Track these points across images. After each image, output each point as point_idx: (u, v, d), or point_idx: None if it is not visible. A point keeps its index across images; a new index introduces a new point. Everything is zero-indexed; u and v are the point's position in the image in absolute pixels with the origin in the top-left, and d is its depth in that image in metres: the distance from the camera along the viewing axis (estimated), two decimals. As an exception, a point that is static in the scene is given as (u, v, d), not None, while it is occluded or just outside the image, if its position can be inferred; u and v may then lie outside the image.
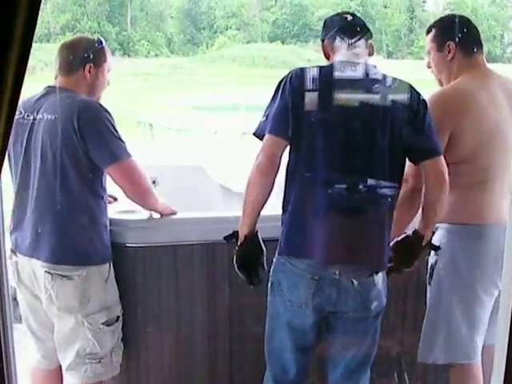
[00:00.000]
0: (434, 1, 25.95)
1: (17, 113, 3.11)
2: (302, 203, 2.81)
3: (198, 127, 11.05)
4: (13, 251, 3.23)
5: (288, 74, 2.81)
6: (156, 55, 23.66)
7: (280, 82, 2.82)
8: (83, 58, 3.15)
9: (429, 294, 3.43)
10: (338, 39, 2.90)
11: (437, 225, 3.27)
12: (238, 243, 2.90)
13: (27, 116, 3.13)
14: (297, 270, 2.81)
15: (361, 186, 2.76)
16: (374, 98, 2.79)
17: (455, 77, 3.32)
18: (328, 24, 3.02)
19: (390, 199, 2.82)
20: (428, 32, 3.41)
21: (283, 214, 2.87)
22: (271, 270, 2.90)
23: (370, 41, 2.93)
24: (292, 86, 2.77)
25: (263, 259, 2.92)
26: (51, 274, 3.08)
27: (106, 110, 3.08)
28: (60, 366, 3.34)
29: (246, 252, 2.91)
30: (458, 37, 3.30)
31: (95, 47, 3.20)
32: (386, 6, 25.18)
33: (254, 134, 2.88)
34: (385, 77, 2.81)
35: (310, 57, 23.14)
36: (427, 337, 3.43)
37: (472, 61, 3.33)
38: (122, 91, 17.04)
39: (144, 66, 22.03)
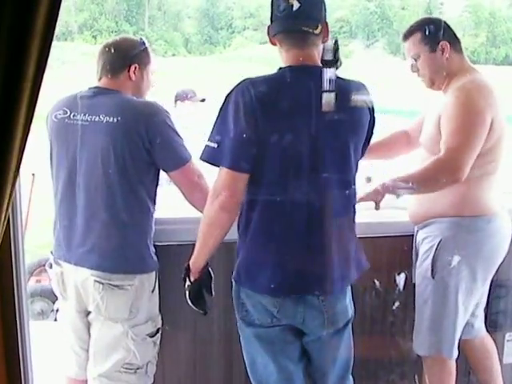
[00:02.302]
0: (451, 3, 25.83)
1: (59, 112, 3.10)
2: (266, 228, 2.63)
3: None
4: (56, 261, 3.16)
5: (236, 91, 2.52)
6: (173, 55, 23.67)
7: (227, 100, 2.52)
8: (128, 58, 3.10)
9: (428, 287, 3.44)
10: (282, 35, 2.64)
11: (438, 218, 3.36)
12: (192, 278, 2.82)
13: (74, 116, 3.03)
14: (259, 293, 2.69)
15: (328, 203, 2.67)
16: (335, 104, 2.60)
17: (452, 75, 3.37)
18: (272, 10, 2.66)
19: (353, 208, 2.79)
20: (408, 36, 3.44)
21: (240, 240, 2.70)
22: (232, 294, 2.78)
23: (319, 27, 2.59)
24: (246, 107, 2.48)
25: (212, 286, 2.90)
26: (102, 284, 3.01)
27: (168, 112, 3.05)
28: None
29: (200, 286, 2.84)
30: (448, 36, 3.36)
31: (139, 48, 3.15)
32: (403, 8, 25.07)
33: (202, 159, 2.61)
34: (340, 79, 2.66)
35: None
36: (424, 329, 3.48)
37: (464, 59, 3.42)
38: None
39: (161, 65, 22.09)
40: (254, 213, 2.60)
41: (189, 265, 2.80)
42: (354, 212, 2.79)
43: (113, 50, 3.09)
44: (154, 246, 3.17)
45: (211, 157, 2.56)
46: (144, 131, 2.94)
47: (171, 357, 3.53)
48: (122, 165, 2.96)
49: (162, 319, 3.27)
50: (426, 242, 3.44)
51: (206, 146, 2.57)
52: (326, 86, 2.58)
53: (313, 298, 2.66)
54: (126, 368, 3.14)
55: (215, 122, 2.55)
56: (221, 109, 2.54)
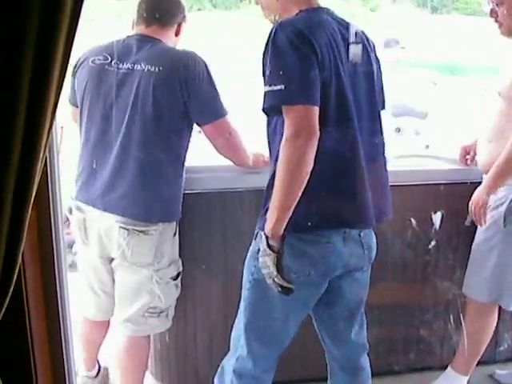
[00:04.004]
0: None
1: (99, 57, 3.11)
2: (328, 168, 2.54)
3: (241, 80, 11.08)
4: (78, 207, 3.19)
5: (283, 31, 2.44)
6: (199, 9, 23.54)
7: (275, 41, 2.43)
8: (179, 16, 3.20)
9: (496, 235, 3.43)
10: None
11: None
12: (277, 248, 2.49)
13: (115, 63, 3.06)
14: (305, 241, 2.62)
15: (373, 136, 2.73)
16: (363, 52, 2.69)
17: None
18: None
19: (384, 155, 2.81)
20: None
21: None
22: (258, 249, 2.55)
23: None
24: (303, 42, 2.43)
25: None
26: (127, 230, 3.06)
27: (207, 64, 3.07)
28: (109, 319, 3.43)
29: (282, 256, 2.52)
30: None
31: (184, 8, 3.24)
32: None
33: (269, 105, 2.49)
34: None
35: (353, 11, 22.86)
36: (485, 275, 3.48)
37: None
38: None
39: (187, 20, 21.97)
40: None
41: (266, 233, 2.50)
42: (385, 159, 2.82)
43: (170, 3, 3.20)
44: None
45: (280, 99, 2.44)
46: (184, 82, 2.98)
47: (203, 304, 3.57)
48: (160, 113, 2.99)
49: (186, 264, 3.33)
50: (501, 190, 3.38)
51: (269, 91, 2.45)
52: (351, 32, 2.66)
53: (355, 233, 2.69)
54: (151, 312, 3.21)
55: (269, 66, 2.45)
56: (271, 52, 2.45)
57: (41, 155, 1.28)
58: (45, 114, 1.23)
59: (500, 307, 3.59)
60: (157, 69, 2.98)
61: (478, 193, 3.34)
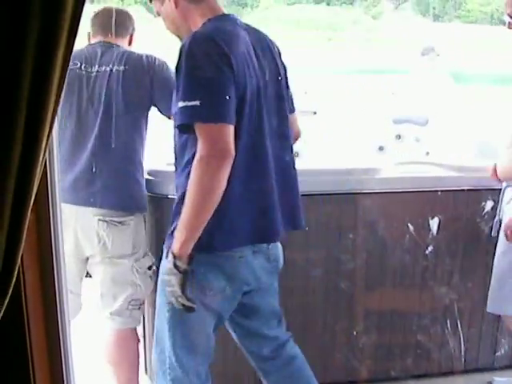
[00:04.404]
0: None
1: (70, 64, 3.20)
2: (239, 187, 2.48)
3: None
4: None
5: (200, 44, 2.40)
6: (201, 16, 23.58)
7: (191, 54, 2.36)
8: (131, 26, 3.51)
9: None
10: None
11: None
12: (183, 267, 2.42)
13: (85, 67, 3.26)
14: (219, 257, 2.60)
15: (284, 149, 2.69)
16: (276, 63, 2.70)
17: None
18: None
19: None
20: None
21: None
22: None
23: None
24: (221, 56, 2.37)
25: None
26: (106, 222, 3.21)
27: (166, 63, 3.34)
28: None
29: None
30: None
31: (134, 21, 3.57)
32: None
33: (184, 122, 2.39)
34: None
35: (354, 18, 22.89)
36: (501, 289, 3.48)
37: None
38: (169, 52, 17.03)
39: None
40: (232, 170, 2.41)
41: (173, 253, 2.45)
42: (295, 170, 2.79)
43: (118, 18, 3.43)
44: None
45: (193, 116, 2.36)
46: (148, 76, 3.26)
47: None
48: (129, 108, 3.23)
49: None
50: None
51: (182, 107, 2.35)
52: (258, 39, 2.67)
53: (264, 246, 2.69)
54: (133, 304, 3.35)
55: (184, 81, 2.36)
56: (185, 65, 2.37)
57: (41, 158, 1.29)
58: (45, 115, 1.24)
59: None
60: (123, 68, 3.24)
61: None
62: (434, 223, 3.59)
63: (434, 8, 24.35)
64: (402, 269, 3.68)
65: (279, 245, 2.81)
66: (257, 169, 2.57)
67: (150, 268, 3.36)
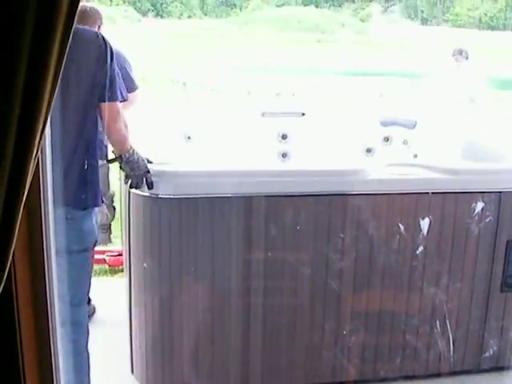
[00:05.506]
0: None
1: None
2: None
3: (231, 87, 11.10)
4: None
5: (102, 38, 3.16)
6: (189, 17, 23.52)
7: (112, 53, 3.16)
8: (99, 20, 4.12)
9: None
10: None
11: None
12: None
13: None
14: None
15: None
16: None
17: None
18: None
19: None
20: None
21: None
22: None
23: None
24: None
25: None
26: None
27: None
28: None
29: None
30: None
31: (102, 15, 4.22)
32: (422, -28, 24.80)
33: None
34: None
35: (343, 21, 22.92)
36: None
37: None
38: (156, 51, 16.99)
39: (177, 27, 21.95)
40: None
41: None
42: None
43: (90, 10, 4.09)
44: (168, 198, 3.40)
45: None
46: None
47: (190, 307, 3.57)
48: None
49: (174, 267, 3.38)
50: None
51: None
52: None
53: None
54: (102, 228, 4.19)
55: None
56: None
57: (33, 155, 1.29)
58: (39, 113, 1.24)
59: (486, 313, 3.62)
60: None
61: None
62: (424, 224, 3.61)
63: (422, 11, 24.40)
64: (392, 269, 3.69)
65: (91, 220, 3.20)
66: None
67: (112, 200, 4.17)
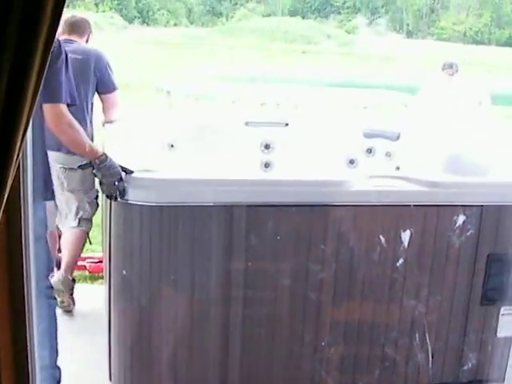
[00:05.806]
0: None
1: None
2: None
3: (216, 96, 11.10)
4: None
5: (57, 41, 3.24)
6: (175, 25, 23.54)
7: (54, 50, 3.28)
8: (88, 29, 4.74)
9: None
10: None
11: None
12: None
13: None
14: None
15: None
16: None
17: None
18: None
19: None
20: None
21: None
22: None
23: None
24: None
25: None
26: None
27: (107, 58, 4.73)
28: None
29: None
30: None
31: (91, 25, 4.85)
32: (408, -15, 24.95)
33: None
34: None
35: (329, 32, 23.00)
36: None
37: None
38: (141, 59, 16.98)
39: (163, 35, 21.96)
40: None
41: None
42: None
43: (78, 22, 4.68)
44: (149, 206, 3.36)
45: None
46: (94, 64, 4.54)
47: (169, 315, 3.56)
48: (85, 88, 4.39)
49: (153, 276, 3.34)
50: None
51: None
52: None
53: None
54: (84, 219, 4.56)
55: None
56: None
57: (14, 159, 1.28)
58: (20, 116, 1.23)
59: (466, 326, 3.63)
60: (80, 57, 4.36)
61: None
62: (405, 236, 3.61)
63: (407, 24, 24.55)
64: (372, 281, 3.69)
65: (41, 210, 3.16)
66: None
67: (96, 198, 4.50)
